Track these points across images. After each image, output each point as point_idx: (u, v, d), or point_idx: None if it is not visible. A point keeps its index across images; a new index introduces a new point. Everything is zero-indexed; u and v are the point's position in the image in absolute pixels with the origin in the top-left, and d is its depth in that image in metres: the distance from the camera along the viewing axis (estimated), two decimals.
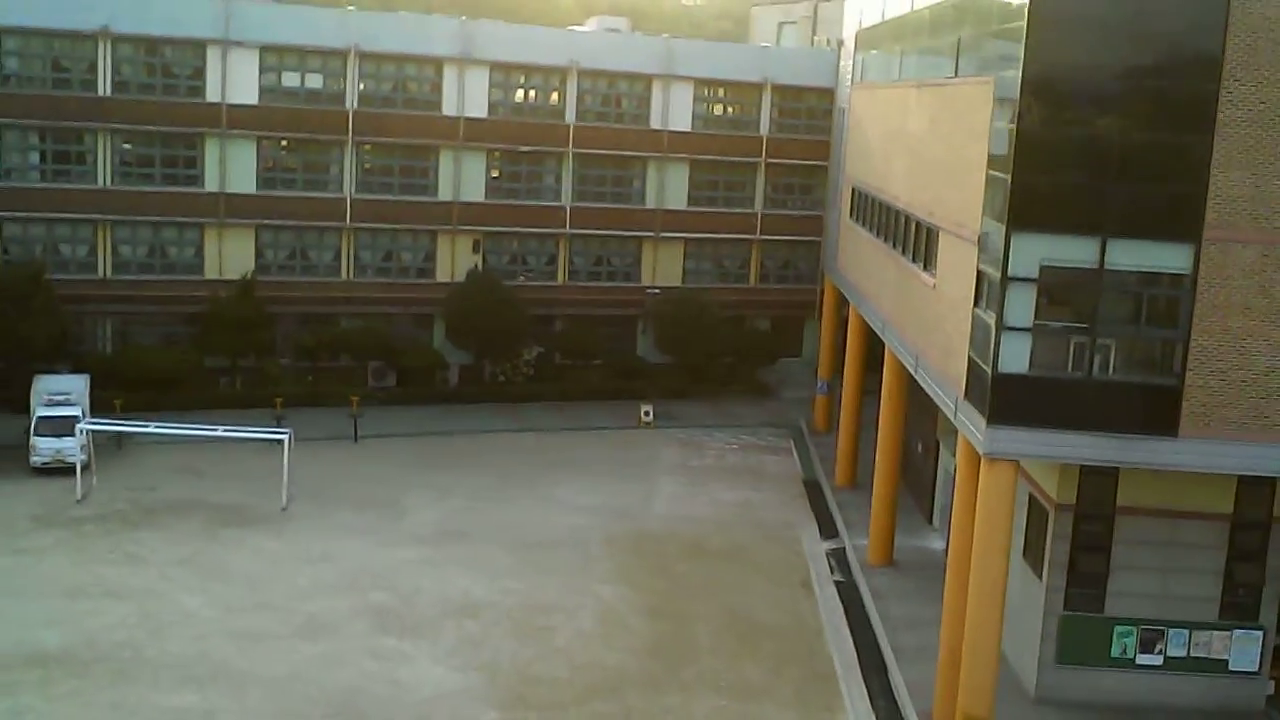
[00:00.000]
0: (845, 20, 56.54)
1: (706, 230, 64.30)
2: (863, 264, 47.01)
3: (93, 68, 54.18)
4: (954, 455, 34.17)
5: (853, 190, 50.33)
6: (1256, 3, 27.21)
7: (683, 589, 39.42)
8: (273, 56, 56.42)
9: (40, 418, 46.22)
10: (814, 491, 50.38)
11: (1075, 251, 27.95)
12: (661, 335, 61.99)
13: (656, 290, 62.75)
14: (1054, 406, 28.43)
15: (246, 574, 38.36)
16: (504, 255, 61.69)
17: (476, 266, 59.97)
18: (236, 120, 55.92)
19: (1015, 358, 28.30)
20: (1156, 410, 28.40)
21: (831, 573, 42.12)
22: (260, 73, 56.24)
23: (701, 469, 52.12)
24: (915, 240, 37.70)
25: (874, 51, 48.46)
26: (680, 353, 61.91)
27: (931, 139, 36.22)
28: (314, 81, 57.34)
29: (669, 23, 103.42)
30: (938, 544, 43.95)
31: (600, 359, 62.55)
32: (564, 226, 61.67)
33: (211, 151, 56.01)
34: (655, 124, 62.38)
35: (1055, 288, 28.13)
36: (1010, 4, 28.72)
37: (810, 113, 64.69)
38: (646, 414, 57.68)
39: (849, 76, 54.78)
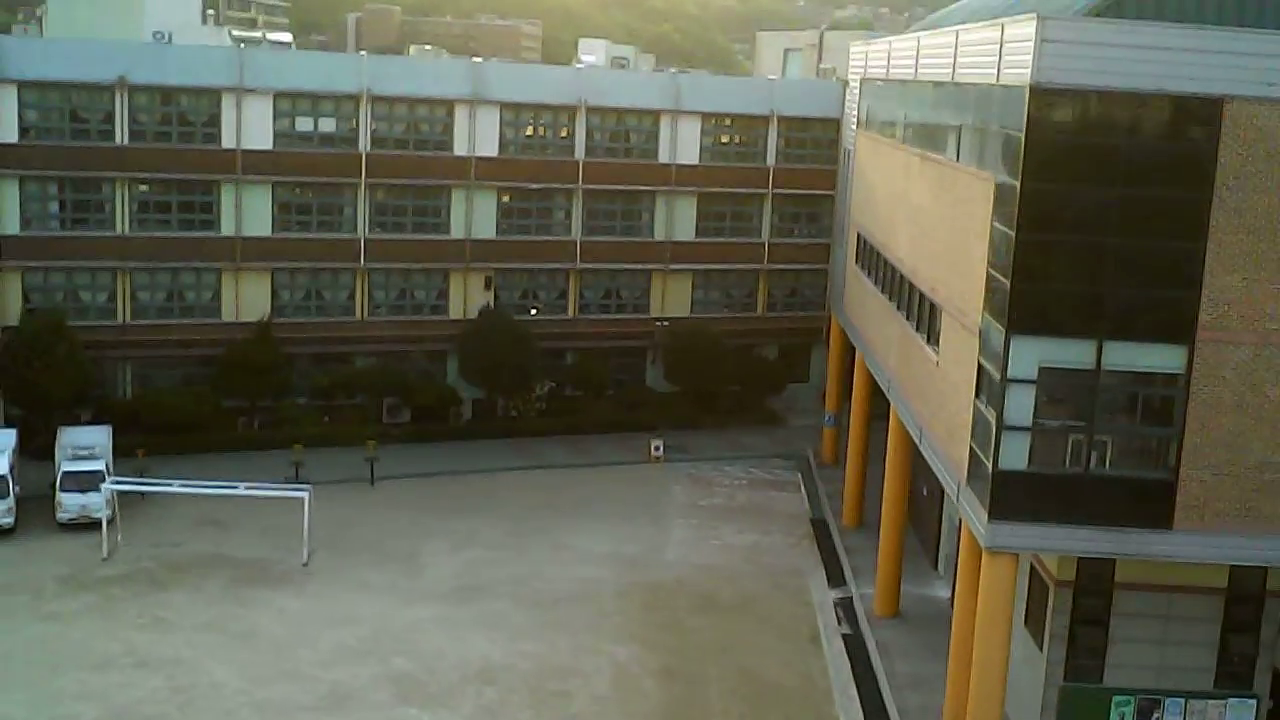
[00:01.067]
0: (850, 61, 57.29)
1: (714, 260, 65.24)
2: (868, 314, 47.90)
3: (110, 117, 55.10)
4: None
5: (858, 236, 51.18)
6: (1249, 112, 28.01)
7: (694, 647, 40.49)
8: (286, 102, 57.29)
9: (65, 473, 47.33)
10: (821, 532, 51.40)
11: (1073, 353, 28.90)
12: (671, 367, 63.02)
13: (666, 322, 63.67)
14: (1053, 501, 29.43)
15: (271, 638, 39.49)
16: (515, 290, 62.67)
17: (489, 304, 60.93)
18: (251, 165, 56.85)
19: (1015, 455, 29.28)
20: (1152, 504, 29.39)
21: (839, 624, 43.15)
22: (274, 118, 57.14)
23: (711, 509, 53.17)
24: (920, 310, 38.60)
25: (878, 100, 49.21)
26: (689, 383, 62.90)
27: (934, 217, 37.06)
28: (327, 125, 58.25)
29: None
30: (943, 592, 44.99)
31: (611, 389, 63.55)
32: (574, 260, 62.60)
33: (227, 196, 56.96)
34: (663, 158, 63.22)
35: (1054, 388, 29.08)
36: (1009, 111, 29.53)
37: (816, 143, 65.51)
38: (657, 449, 58.69)
39: (854, 111, 55.59)
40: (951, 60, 35.96)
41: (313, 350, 59.06)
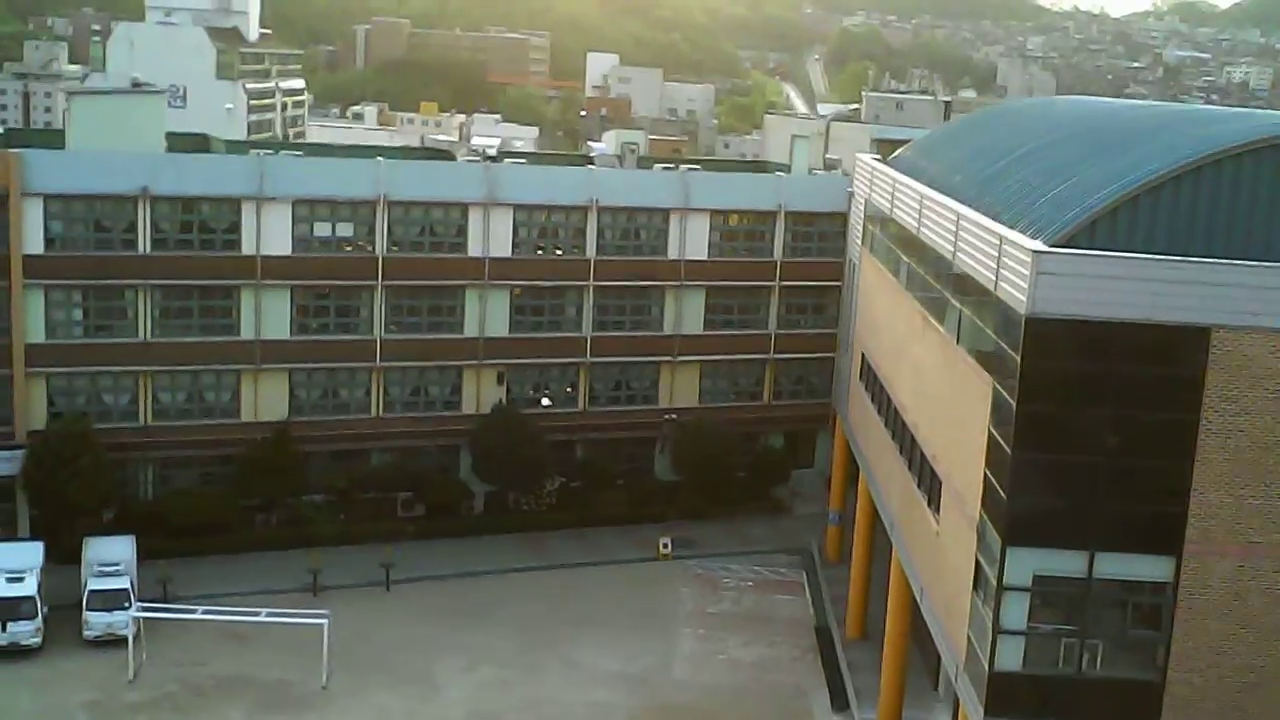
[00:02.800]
0: (855, 175, 58.55)
1: (722, 352, 66.57)
2: (871, 440, 49.23)
3: (132, 226, 56.44)
4: None
5: (862, 356, 52.51)
6: (1235, 340, 29.35)
7: None
8: (305, 209, 58.60)
9: (92, 591, 48.76)
10: (825, 643, 52.74)
11: (1067, 563, 30.33)
12: (679, 460, 64.39)
13: (674, 415, 65.02)
14: (1046, 700, 30.87)
15: None
16: (527, 384, 64.05)
17: (501, 401, 62.28)
18: (271, 271, 58.19)
19: (1010, 657, 30.72)
20: (1140, 705, 30.85)
21: None
22: (293, 224, 58.44)
23: (719, 617, 54.57)
24: (922, 468, 39.93)
25: (883, 232, 50.48)
26: (697, 476, 64.21)
27: (936, 385, 38.38)
28: (345, 230, 59.63)
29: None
30: (943, 717, 46.33)
31: (621, 479, 64.93)
32: (585, 355, 63.97)
33: (247, 301, 58.30)
34: (673, 254, 64.51)
35: (1048, 595, 30.48)
36: (1007, 330, 30.86)
37: (822, 236, 66.74)
38: (665, 546, 60.11)
39: (858, 221, 56.88)
40: (953, 238, 37.25)
41: (329, 447, 60.42)
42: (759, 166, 76.13)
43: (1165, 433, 29.93)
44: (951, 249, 37.22)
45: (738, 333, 66.81)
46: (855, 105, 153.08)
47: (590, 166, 64.52)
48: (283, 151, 59.37)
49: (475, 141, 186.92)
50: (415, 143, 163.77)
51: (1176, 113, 42.42)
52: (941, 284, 38.83)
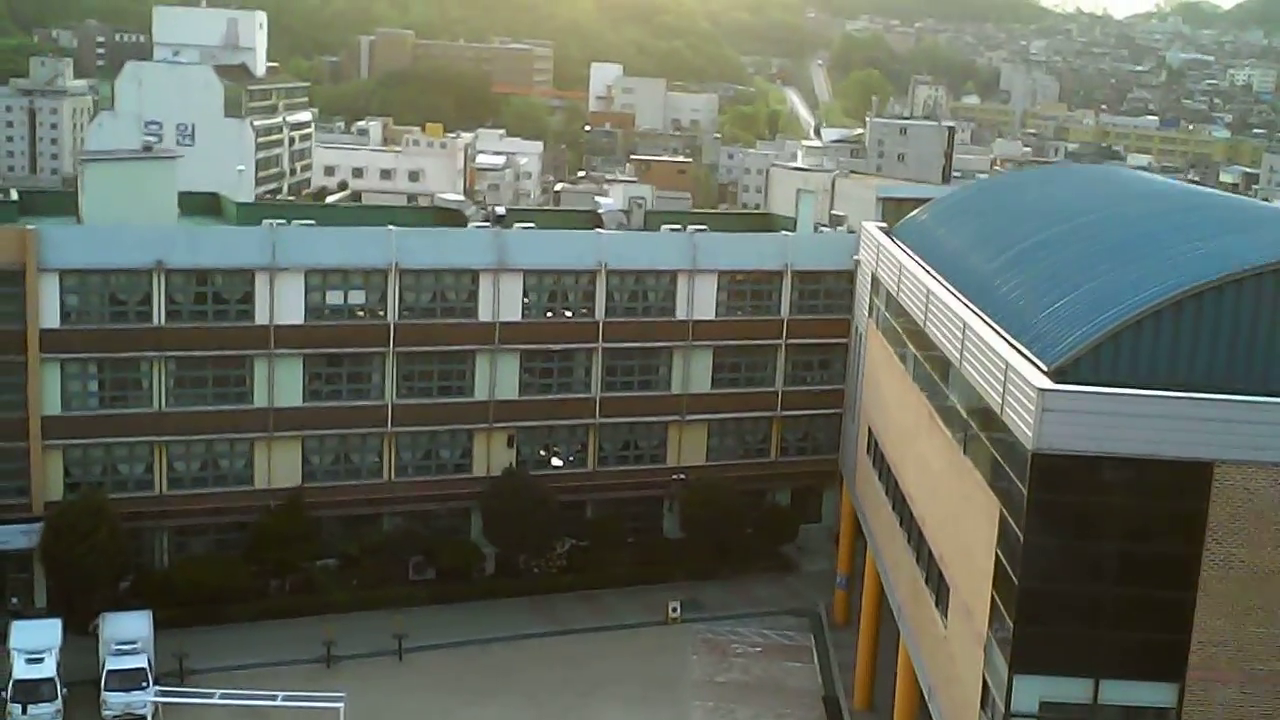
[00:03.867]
0: (861, 245, 59.13)
1: (729, 410, 67.23)
2: (880, 522, 49.84)
3: (147, 299, 57.09)
4: None
5: (869, 431, 53.11)
6: (1237, 474, 29.96)
7: None
8: (317, 278, 59.24)
9: (110, 671, 49.45)
10: (833, 714, 53.41)
11: (1072, 690, 30.94)
12: (687, 520, 65.09)
13: (682, 476, 65.68)
14: None
15: None
16: (537, 446, 64.73)
17: (511, 464, 62.93)
18: (284, 340, 58.85)
19: None
20: None
21: None
22: (306, 293, 59.08)
23: (728, 686, 55.23)
24: (930, 565, 40.53)
25: (889, 312, 51.06)
26: (705, 536, 64.84)
27: (943, 487, 38.98)
28: (357, 298, 60.24)
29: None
30: None
31: (631, 537, 65.60)
32: (594, 416, 64.62)
33: (260, 369, 58.97)
34: (680, 314, 65.14)
35: None
36: (1013, 458, 31.47)
37: (829, 294, 67.36)
38: (674, 610, 60.74)
39: (865, 288, 57.50)
40: (959, 347, 37.85)
41: (342, 512, 61.12)
42: (765, 220, 76.70)
43: (1169, 563, 30.57)
44: (958, 357, 37.81)
45: (745, 390, 67.44)
46: (860, 130, 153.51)
47: (599, 231, 65.03)
48: (295, 221, 59.76)
49: (482, 158, 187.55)
50: (422, 162, 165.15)
51: (1187, 205, 42.95)
52: (947, 387, 39.41)
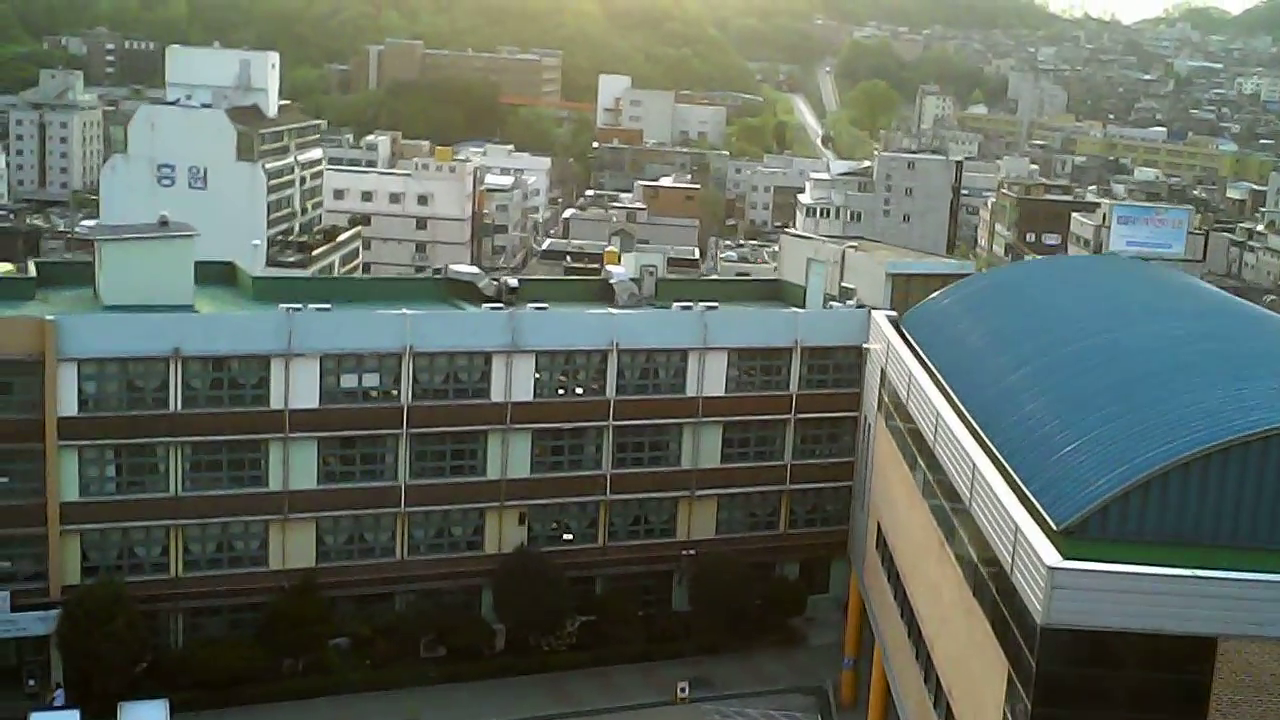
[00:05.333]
0: (872, 338, 59.65)
1: (739, 484, 67.83)
2: (889, 628, 50.42)
3: (164, 385, 57.73)
4: None
5: (879, 529, 53.69)
6: (1240, 649, 30.55)
7: None
8: (332, 362, 59.87)
9: None
10: None
11: None
12: (696, 595, 65.75)
13: (692, 551, 66.33)
14: None
15: None
16: (548, 522, 65.37)
17: (523, 542, 63.59)
18: (299, 424, 59.49)
19: None
20: None
21: None
22: (321, 377, 59.71)
23: None
24: (938, 694, 41.12)
25: (897, 415, 51.60)
26: (714, 610, 65.46)
27: (953, 623, 39.54)
28: (371, 381, 60.86)
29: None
30: None
31: (640, 610, 66.23)
32: (605, 493, 65.28)
33: (275, 454, 59.61)
34: (691, 391, 65.75)
35: None
36: (1022, 626, 32.05)
37: (838, 368, 67.90)
38: (682, 690, 61.38)
39: (876, 374, 58.06)
40: (969, 486, 38.42)
41: (354, 591, 61.79)
42: (775, 289, 77.17)
43: None
44: (967, 496, 38.39)
45: (754, 465, 68.04)
46: (867, 162, 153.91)
47: (610, 311, 65.49)
48: (310, 305, 60.35)
49: (491, 179, 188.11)
50: (431, 186, 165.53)
51: (1203, 332, 43.38)
52: (956, 521, 39.99)
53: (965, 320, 52.81)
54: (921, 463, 45.90)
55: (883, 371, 55.57)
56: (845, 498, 68.85)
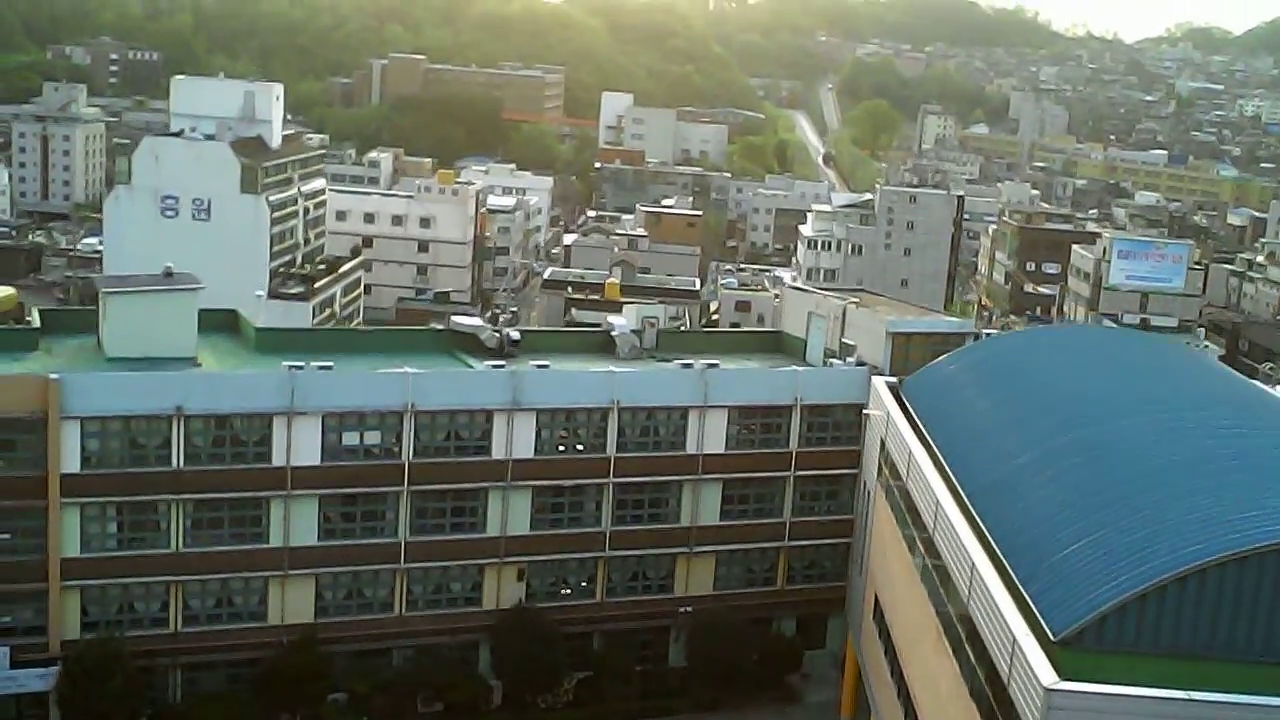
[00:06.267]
0: (871, 405, 59.88)
1: (737, 541, 68.07)
2: (886, 701, 50.64)
3: (167, 443, 57.90)
4: None
5: (876, 601, 53.90)
6: None
7: None
8: (334, 420, 60.06)
9: None
10: None
11: None
12: (693, 653, 66.00)
13: (689, 609, 66.56)
14: None
15: None
16: (547, 578, 65.57)
17: (521, 600, 63.82)
18: (300, 481, 59.69)
19: None
20: None
21: None
22: (323, 435, 59.90)
23: None
24: None
25: (898, 489, 51.85)
26: (711, 667, 65.71)
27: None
28: (372, 438, 61.05)
29: None
30: None
31: (638, 666, 66.43)
32: (604, 549, 65.52)
33: (276, 511, 59.82)
34: (691, 449, 65.96)
35: None
36: None
37: (838, 425, 68.14)
38: None
39: (876, 443, 58.27)
40: (967, 585, 38.65)
41: (353, 647, 61.94)
42: (776, 340, 77.46)
43: None
44: (965, 593, 38.62)
45: (753, 521, 68.27)
46: (869, 195, 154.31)
47: (612, 369, 65.71)
48: (313, 363, 60.59)
49: (493, 201, 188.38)
50: (433, 209, 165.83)
51: (1210, 428, 43.57)
52: (954, 615, 40.21)
53: (967, 392, 53.07)
54: (920, 548, 46.12)
55: (882, 441, 55.78)
56: (843, 554, 69.15)
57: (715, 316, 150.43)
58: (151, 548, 58.85)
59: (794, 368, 69.13)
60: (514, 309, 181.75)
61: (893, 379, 60.54)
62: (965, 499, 43.43)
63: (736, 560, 68.87)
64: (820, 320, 73.51)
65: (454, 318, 72.39)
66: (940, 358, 60.29)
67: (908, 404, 55.67)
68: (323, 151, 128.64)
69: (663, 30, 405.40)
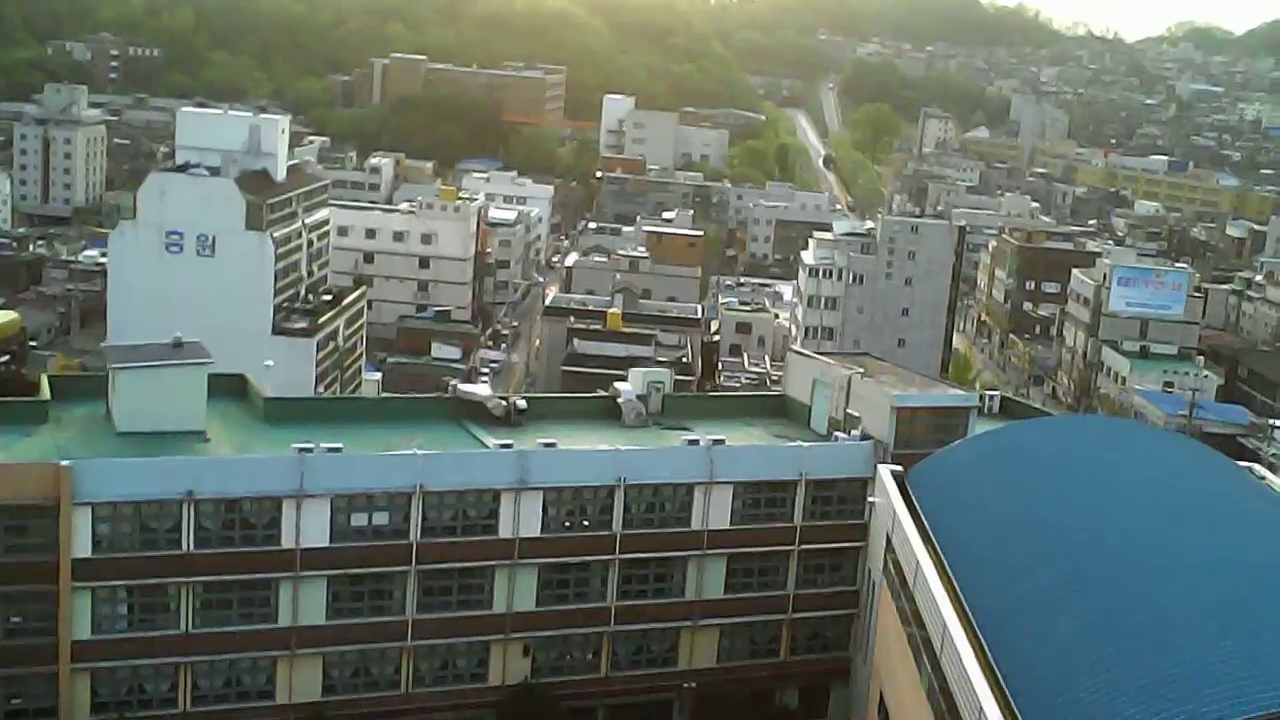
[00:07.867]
0: (877, 493, 60.25)
1: (741, 614, 68.54)
2: None
3: (177, 527, 58.24)
4: None
5: (880, 698, 54.38)
6: None
7: None
8: (343, 502, 60.43)
9: None
10: None
11: None
12: None
13: (692, 684, 67.08)
14: None
15: None
16: (552, 653, 66.05)
17: (527, 675, 64.32)
18: (309, 562, 60.07)
19: None
20: None
21: None
22: (332, 517, 60.28)
23: None
24: None
25: (902, 594, 52.26)
26: None
27: None
28: (381, 519, 61.42)
29: None
30: None
31: None
32: (609, 624, 65.96)
33: (285, 591, 60.20)
34: (696, 525, 66.38)
35: None
36: None
37: (842, 499, 68.56)
38: None
39: (882, 533, 58.66)
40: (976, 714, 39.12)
41: None
42: (781, 405, 77.79)
43: None
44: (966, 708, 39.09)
45: (757, 595, 68.72)
46: (871, 224, 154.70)
47: (619, 448, 66.03)
48: (322, 443, 60.91)
49: (494, 213, 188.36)
50: (435, 225, 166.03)
51: (1217, 558, 43.88)
52: None
53: (978, 493, 53.41)
54: (927, 665, 46.56)
55: (888, 538, 56.20)
56: (846, 625, 69.66)
57: (716, 338, 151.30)
58: (161, 629, 59.24)
59: (799, 443, 69.45)
60: (515, 324, 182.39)
61: (898, 468, 60.89)
62: (974, 623, 43.80)
63: (740, 632, 69.33)
64: (825, 389, 73.92)
65: (460, 386, 72.88)
66: (948, 446, 60.61)
67: (914, 498, 56.02)
68: (327, 183, 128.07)
69: (663, 28, 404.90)
